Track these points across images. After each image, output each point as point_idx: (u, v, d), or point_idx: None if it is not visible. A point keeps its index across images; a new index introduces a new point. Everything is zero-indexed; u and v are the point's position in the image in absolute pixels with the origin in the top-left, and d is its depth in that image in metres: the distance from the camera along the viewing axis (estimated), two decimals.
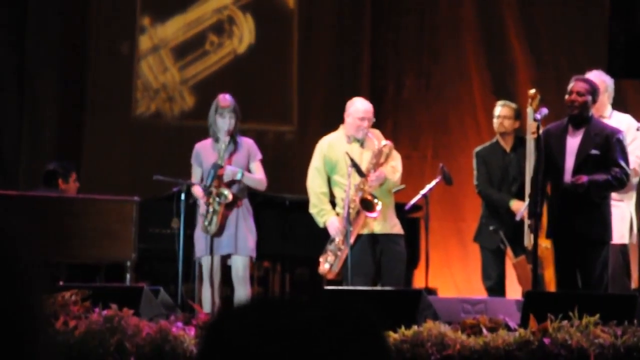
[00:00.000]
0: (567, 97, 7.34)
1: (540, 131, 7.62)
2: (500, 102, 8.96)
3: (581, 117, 7.28)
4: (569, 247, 7.22)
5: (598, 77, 7.90)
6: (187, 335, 6.33)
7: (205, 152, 7.68)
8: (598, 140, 7.23)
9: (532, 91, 8.61)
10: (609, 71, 8.41)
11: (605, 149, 7.21)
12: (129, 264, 8.38)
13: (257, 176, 7.64)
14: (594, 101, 7.32)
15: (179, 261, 7.79)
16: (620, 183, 7.24)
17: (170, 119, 11.70)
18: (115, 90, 11.48)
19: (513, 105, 8.91)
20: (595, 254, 7.16)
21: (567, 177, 7.22)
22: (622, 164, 7.22)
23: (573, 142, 7.28)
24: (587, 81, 7.36)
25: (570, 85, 7.33)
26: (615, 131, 7.33)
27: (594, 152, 7.21)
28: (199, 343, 1.47)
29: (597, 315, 5.91)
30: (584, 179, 7.12)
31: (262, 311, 1.43)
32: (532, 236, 8.03)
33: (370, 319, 1.43)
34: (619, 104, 8.35)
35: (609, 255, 7.25)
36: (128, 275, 8.36)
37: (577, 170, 7.20)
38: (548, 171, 7.32)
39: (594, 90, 7.31)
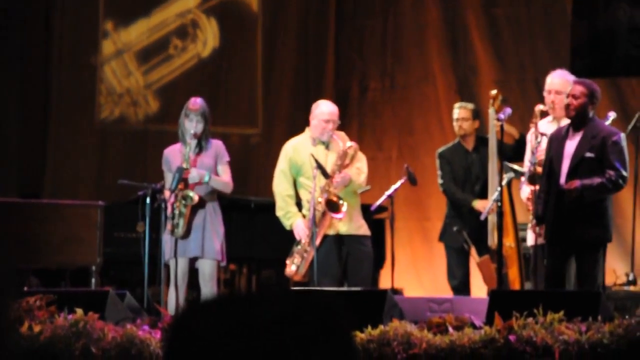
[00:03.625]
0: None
1: (506, 131, 7.65)
2: (457, 105, 9.02)
3: (578, 120, 7.18)
4: (563, 249, 7.15)
5: (562, 76, 7.91)
6: (154, 339, 6.32)
7: (173, 157, 7.66)
8: (594, 142, 7.10)
9: (494, 92, 8.66)
10: (572, 71, 8.45)
11: (601, 152, 7.10)
12: (94, 268, 8.36)
13: (224, 179, 7.62)
14: (592, 103, 7.20)
15: (145, 265, 7.77)
16: (616, 186, 7.12)
17: (135, 123, 11.66)
18: (78, 95, 11.43)
19: (470, 106, 8.96)
20: (590, 255, 7.10)
21: (563, 180, 7.13)
22: (618, 166, 7.08)
23: (571, 145, 7.18)
24: (584, 83, 7.25)
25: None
26: (612, 133, 7.21)
27: (588, 155, 7.10)
28: (164, 340, 1.47)
29: (562, 312, 5.94)
30: (577, 183, 7.03)
31: (227, 307, 1.42)
32: (496, 236, 8.06)
33: (336, 315, 1.43)
34: None
35: (604, 256, 7.18)
36: (93, 280, 8.34)
37: (571, 173, 7.11)
38: (550, 175, 7.27)
39: (591, 93, 7.18)
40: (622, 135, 7.30)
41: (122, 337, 6.31)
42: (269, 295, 1.43)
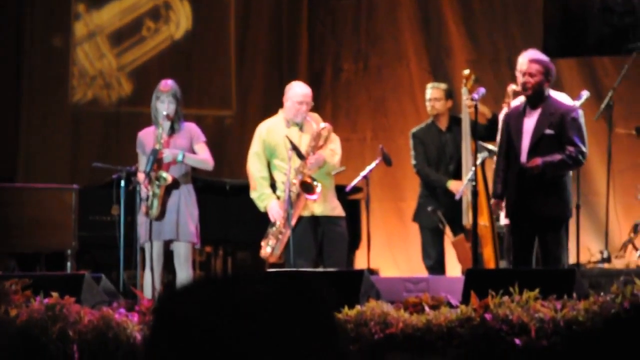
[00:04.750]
0: (520, 78, 7.34)
1: (479, 110, 7.69)
2: (429, 85, 9.02)
3: (535, 97, 7.24)
4: (527, 227, 7.22)
5: (541, 57, 7.93)
6: (130, 322, 6.32)
7: (147, 139, 7.66)
8: (553, 119, 7.19)
9: (467, 71, 8.68)
10: (545, 50, 8.46)
11: (560, 128, 7.18)
12: (69, 252, 8.34)
13: (200, 156, 7.61)
14: (548, 80, 7.27)
15: (120, 248, 7.75)
16: (576, 162, 7.21)
17: (108, 105, 11.61)
18: (51, 78, 11.37)
19: (442, 86, 8.97)
20: (553, 232, 7.18)
21: (523, 157, 7.20)
22: (578, 142, 7.16)
23: (529, 123, 7.25)
24: (539, 61, 7.30)
25: (523, 67, 7.32)
26: (570, 109, 7.28)
27: (548, 131, 7.18)
28: (149, 325, 1.47)
29: (537, 290, 5.98)
30: (538, 161, 7.10)
31: (209, 288, 1.42)
32: (470, 215, 8.09)
33: (319, 295, 1.43)
34: (555, 83, 8.41)
35: (566, 233, 7.26)
36: (69, 264, 8.32)
37: (532, 151, 7.18)
38: (508, 153, 7.32)
39: (547, 70, 7.26)
40: (580, 112, 7.40)
41: (98, 321, 6.30)
42: (252, 277, 1.43)
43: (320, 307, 1.43)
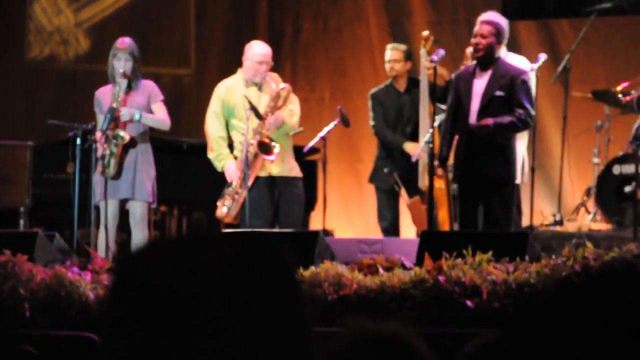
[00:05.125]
0: (472, 39, 7.33)
1: (437, 72, 7.68)
2: (389, 46, 8.99)
3: (486, 59, 7.26)
4: (473, 188, 7.26)
5: (493, 18, 7.93)
6: (83, 280, 6.28)
7: (104, 97, 7.61)
8: (503, 81, 7.22)
9: (425, 33, 8.66)
10: (504, 13, 8.46)
11: (510, 91, 7.22)
12: (22, 209, 8.28)
13: (157, 116, 7.57)
14: (499, 42, 7.29)
15: (74, 206, 7.71)
16: (525, 124, 7.26)
17: (65, 62, 11.50)
18: (6, 34, 11.23)
19: (402, 47, 8.94)
20: (498, 194, 7.22)
21: (472, 119, 7.24)
22: (527, 105, 7.21)
23: (479, 84, 7.27)
24: (492, 23, 7.31)
25: (475, 28, 7.31)
26: (520, 72, 7.32)
27: (498, 93, 7.21)
28: (107, 286, 1.46)
29: (490, 253, 6.00)
30: (489, 121, 7.14)
31: (172, 249, 1.41)
32: (427, 177, 8.11)
33: (278, 255, 1.42)
34: (513, 46, 8.44)
35: (513, 195, 7.30)
36: (22, 221, 8.26)
37: (482, 112, 7.20)
38: (457, 114, 7.33)
39: (498, 32, 7.27)
40: (530, 74, 7.42)
41: (51, 279, 6.26)
42: (213, 237, 1.43)
43: (281, 268, 1.43)
